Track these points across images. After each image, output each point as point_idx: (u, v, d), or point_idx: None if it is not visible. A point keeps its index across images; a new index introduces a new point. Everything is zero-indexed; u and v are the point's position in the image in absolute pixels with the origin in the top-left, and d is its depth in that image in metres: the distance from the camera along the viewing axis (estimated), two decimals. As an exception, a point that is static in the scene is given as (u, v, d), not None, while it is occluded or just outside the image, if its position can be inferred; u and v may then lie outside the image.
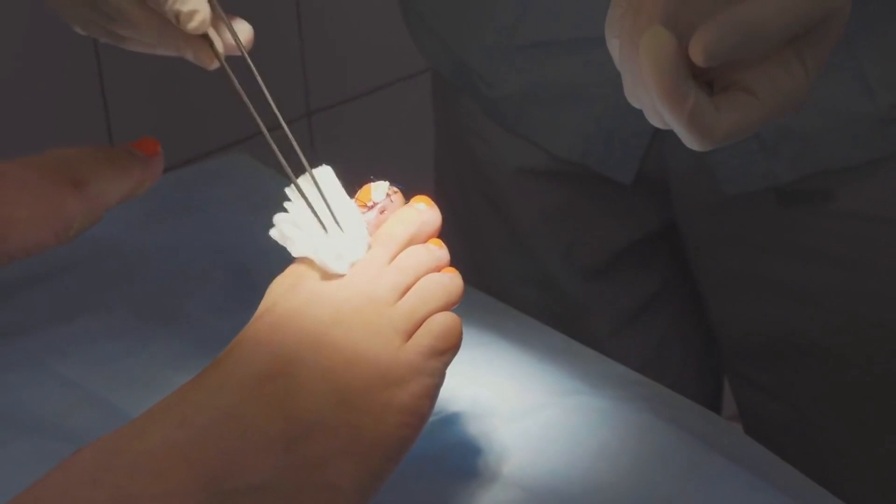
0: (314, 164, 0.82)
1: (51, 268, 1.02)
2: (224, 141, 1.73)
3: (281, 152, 0.82)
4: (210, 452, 0.70)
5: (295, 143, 0.82)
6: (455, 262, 1.30)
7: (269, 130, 0.82)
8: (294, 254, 0.79)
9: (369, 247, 0.78)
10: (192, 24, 0.80)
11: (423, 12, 1.16)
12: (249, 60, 0.84)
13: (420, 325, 0.77)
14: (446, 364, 0.77)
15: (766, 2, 0.67)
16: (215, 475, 0.69)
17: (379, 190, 0.81)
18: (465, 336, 0.97)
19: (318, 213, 0.79)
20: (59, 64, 1.56)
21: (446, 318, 0.77)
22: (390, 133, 1.87)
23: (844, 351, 1.12)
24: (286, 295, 0.77)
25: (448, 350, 0.77)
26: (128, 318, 0.98)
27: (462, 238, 1.27)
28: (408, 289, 0.77)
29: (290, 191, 0.81)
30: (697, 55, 0.66)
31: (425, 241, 0.80)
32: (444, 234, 1.28)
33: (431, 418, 0.87)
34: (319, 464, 0.72)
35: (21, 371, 0.93)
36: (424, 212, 0.80)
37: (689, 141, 0.70)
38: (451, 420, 0.88)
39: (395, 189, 0.82)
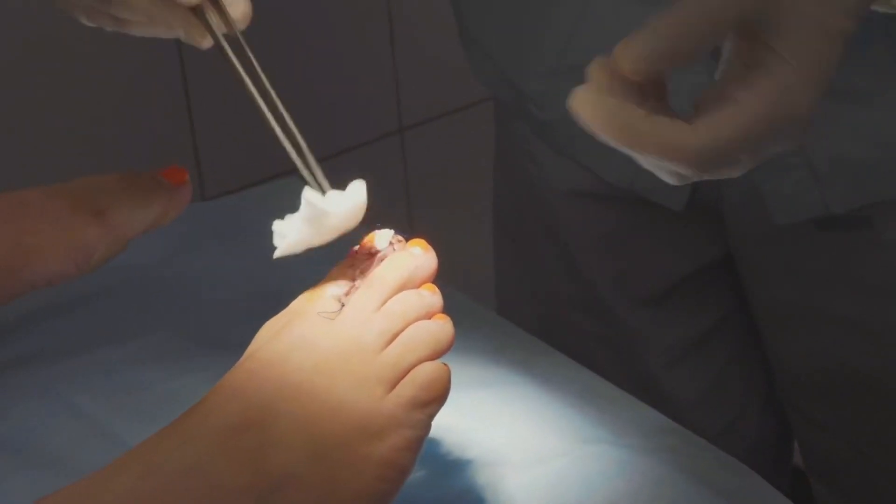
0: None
1: (80, 295, 1.01)
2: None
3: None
4: (174, 505, 0.69)
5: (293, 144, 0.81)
6: (510, 287, 1.29)
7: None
8: (291, 243, 0.78)
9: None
10: None
11: (477, 36, 1.15)
12: (242, 39, 0.82)
13: (405, 374, 0.74)
14: (431, 416, 0.75)
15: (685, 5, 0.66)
16: (178, 529, 0.68)
17: (382, 238, 0.80)
18: (491, 373, 0.96)
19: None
20: (151, 97, 1.58)
21: (433, 368, 0.74)
22: (474, 152, 1.86)
23: None
24: (272, 340, 0.75)
25: (433, 401, 0.74)
26: (149, 350, 0.97)
27: (518, 263, 1.25)
28: (395, 336, 0.75)
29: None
30: (625, 66, 0.66)
31: (419, 287, 0.78)
32: (501, 258, 1.28)
33: (442, 465, 0.86)
34: None
35: (37, 400, 0.92)
36: (419, 256, 0.78)
37: (670, 170, 0.68)
38: (461, 467, 0.86)
39: (399, 238, 0.80)
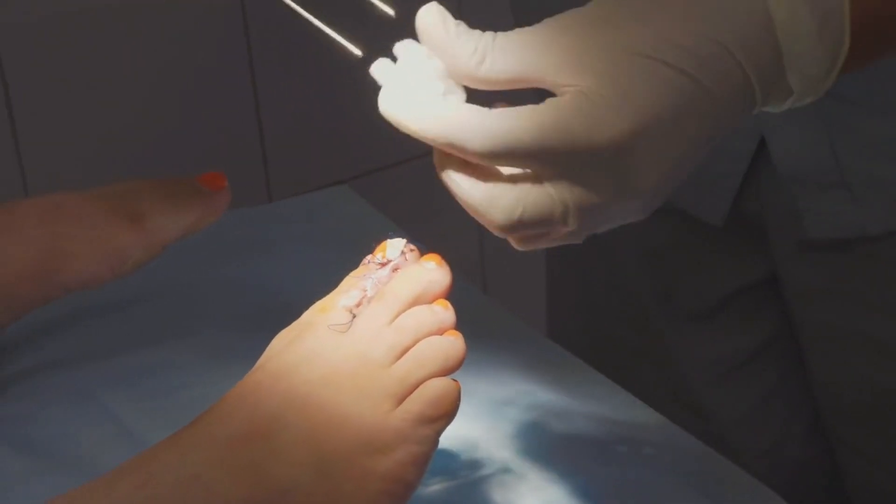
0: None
1: (115, 299, 1.02)
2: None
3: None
4: (170, 514, 0.69)
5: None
6: (559, 299, 1.28)
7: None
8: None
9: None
10: None
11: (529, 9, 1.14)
12: None
13: (414, 389, 0.74)
14: (438, 432, 0.74)
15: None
16: (175, 537, 0.69)
17: (394, 247, 0.79)
18: (519, 389, 0.95)
19: None
20: (219, 98, 1.59)
21: (441, 385, 0.74)
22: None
23: None
24: (283, 351, 0.75)
25: (440, 417, 0.74)
26: (181, 355, 0.98)
27: (566, 275, 1.24)
28: (406, 350, 0.74)
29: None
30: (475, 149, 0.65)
31: (431, 302, 0.77)
32: (552, 270, 1.27)
33: (458, 480, 0.86)
34: None
35: (67, 403, 0.93)
36: (433, 271, 0.77)
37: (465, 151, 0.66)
38: (478, 484, 0.85)
39: (412, 247, 0.79)
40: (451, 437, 0.87)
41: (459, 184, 0.68)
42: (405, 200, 1.76)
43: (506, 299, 1.88)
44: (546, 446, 0.89)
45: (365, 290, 0.78)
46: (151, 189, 0.96)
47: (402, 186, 1.78)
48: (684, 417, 1.18)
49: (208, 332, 1.00)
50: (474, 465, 0.87)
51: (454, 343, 0.76)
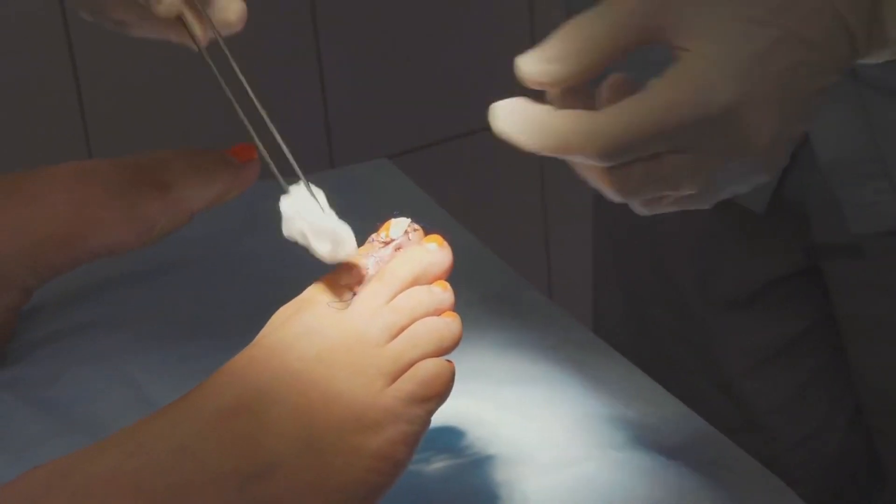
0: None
1: (145, 267, 1.04)
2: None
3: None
4: (157, 484, 0.69)
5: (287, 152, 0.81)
6: (603, 284, 1.27)
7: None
8: (288, 231, 0.78)
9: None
10: (161, 8, 0.79)
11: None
12: (223, 44, 0.82)
13: (407, 369, 0.74)
14: (430, 412, 0.74)
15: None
16: (161, 507, 0.69)
17: (398, 227, 0.80)
18: (540, 370, 0.95)
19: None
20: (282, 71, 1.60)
21: (434, 365, 0.74)
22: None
23: None
24: (280, 327, 0.76)
25: (432, 398, 0.74)
26: (208, 324, 0.99)
27: (612, 258, 1.24)
28: (402, 330, 0.75)
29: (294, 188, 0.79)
30: (526, 83, 0.66)
31: (431, 283, 0.77)
32: (598, 249, 1.26)
33: (462, 459, 0.86)
34: None
35: (92, 366, 0.94)
36: (433, 252, 0.77)
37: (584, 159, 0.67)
38: (481, 463, 0.85)
39: (416, 227, 0.80)
40: (459, 414, 0.88)
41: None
42: (465, 175, 1.76)
43: (547, 281, 1.89)
44: (557, 428, 0.89)
45: (367, 269, 0.78)
46: (179, 159, 0.97)
47: (470, 159, 1.78)
48: (722, 404, 1.17)
49: (231, 301, 1.01)
50: (480, 443, 0.86)
51: (450, 325, 0.76)
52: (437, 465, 0.84)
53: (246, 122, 0.80)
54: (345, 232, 0.76)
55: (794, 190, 1.05)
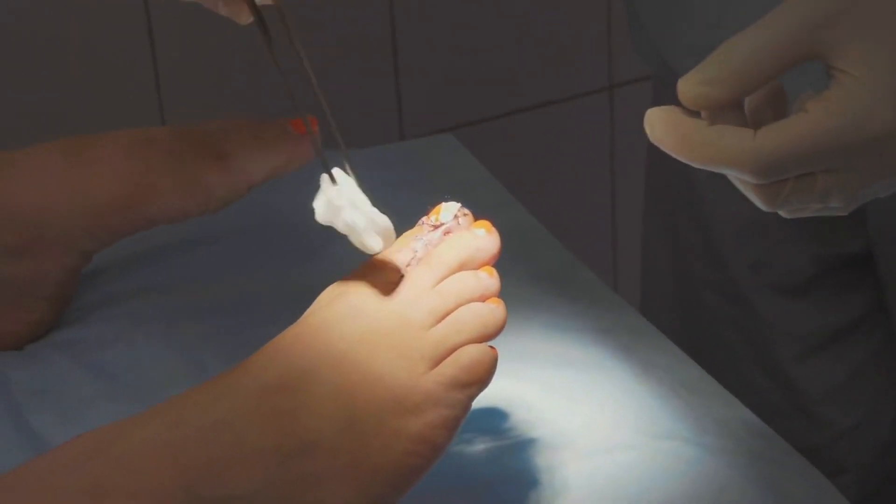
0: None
1: (205, 234, 1.04)
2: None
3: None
4: (197, 457, 0.70)
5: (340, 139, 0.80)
6: (655, 262, 1.27)
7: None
8: (328, 219, 0.79)
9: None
10: None
11: (637, 9, 1.14)
12: (285, 16, 0.81)
13: (450, 353, 0.74)
14: (471, 397, 0.74)
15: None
16: (198, 480, 0.69)
17: (448, 211, 0.80)
18: (589, 354, 0.95)
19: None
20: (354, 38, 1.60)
21: (477, 350, 0.74)
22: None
23: None
24: (327, 306, 0.76)
25: (474, 383, 0.74)
26: (264, 294, 0.99)
27: (662, 236, 1.23)
28: (446, 315, 0.75)
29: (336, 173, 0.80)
30: (686, 102, 0.67)
31: (477, 268, 0.78)
32: (649, 230, 1.26)
33: (505, 441, 0.86)
34: (314, 483, 0.71)
35: (147, 332, 0.95)
36: (481, 238, 0.78)
37: (741, 180, 0.68)
38: (523, 446, 0.85)
39: (465, 212, 0.79)
40: (504, 396, 0.88)
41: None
42: (533, 150, 1.76)
43: (609, 263, 1.88)
44: (601, 414, 0.89)
45: (415, 251, 0.78)
46: (239, 129, 0.97)
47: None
48: (772, 389, 1.17)
49: (288, 273, 1.01)
50: (523, 426, 0.86)
51: (494, 311, 0.76)
52: (480, 446, 0.85)
53: (323, 100, 0.81)
54: (392, 227, 0.77)
55: None
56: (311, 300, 0.96)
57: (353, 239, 0.77)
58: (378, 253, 0.77)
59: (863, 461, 1.19)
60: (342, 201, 0.77)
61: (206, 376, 0.90)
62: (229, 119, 0.98)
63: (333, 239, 1.05)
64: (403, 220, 0.87)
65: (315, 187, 1.08)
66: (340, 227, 0.77)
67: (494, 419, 0.87)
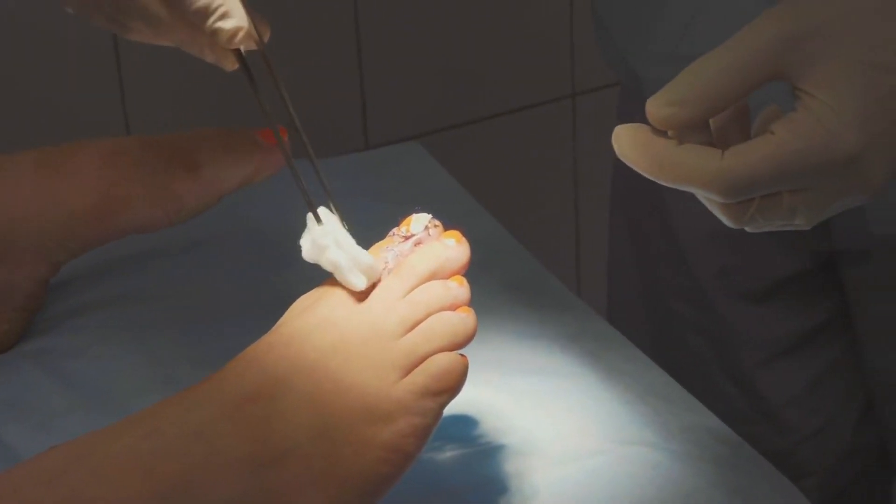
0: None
1: (176, 244, 1.04)
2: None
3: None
4: (170, 467, 0.70)
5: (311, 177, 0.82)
6: (621, 269, 1.28)
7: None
8: (313, 257, 0.80)
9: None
10: (234, 42, 0.79)
11: (604, 17, 1.14)
12: (268, 61, 0.83)
13: (421, 362, 0.75)
14: (442, 405, 0.75)
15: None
16: (173, 491, 0.70)
17: (418, 222, 0.80)
18: (556, 362, 0.96)
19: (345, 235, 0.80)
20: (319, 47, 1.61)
21: (447, 359, 0.74)
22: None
23: None
24: (299, 316, 0.77)
25: (445, 392, 0.75)
26: (234, 304, 0.99)
27: (630, 248, 1.24)
28: (417, 324, 0.75)
29: (321, 212, 0.81)
30: (655, 122, 0.69)
31: (448, 278, 0.78)
32: (615, 238, 1.26)
33: (474, 448, 0.87)
34: (288, 491, 0.72)
35: (117, 342, 0.95)
36: (451, 248, 0.78)
37: (710, 200, 0.70)
38: (493, 453, 0.86)
39: (436, 223, 0.80)
40: (473, 404, 0.89)
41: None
42: (497, 157, 1.76)
43: (572, 269, 1.89)
44: (569, 421, 0.89)
45: (386, 262, 0.79)
46: (210, 139, 0.97)
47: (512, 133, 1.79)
48: (736, 394, 1.18)
49: (257, 282, 1.02)
50: (493, 434, 0.87)
51: (465, 319, 0.76)
52: (449, 453, 0.85)
53: (296, 119, 0.83)
54: (375, 265, 0.78)
55: None
56: (281, 310, 0.96)
57: (338, 276, 0.78)
58: (361, 290, 0.77)
59: (826, 465, 1.21)
60: (326, 241, 0.78)
61: (178, 386, 0.90)
62: (200, 129, 0.98)
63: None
64: (372, 229, 0.88)
65: (285, 196, 1.09)
66: (325, 265, 0.79)
67: (464, 427, 0.87)
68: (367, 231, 0.97)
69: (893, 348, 1.09)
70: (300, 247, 1.05)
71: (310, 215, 0.80)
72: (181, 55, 1.50)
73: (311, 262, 0.80)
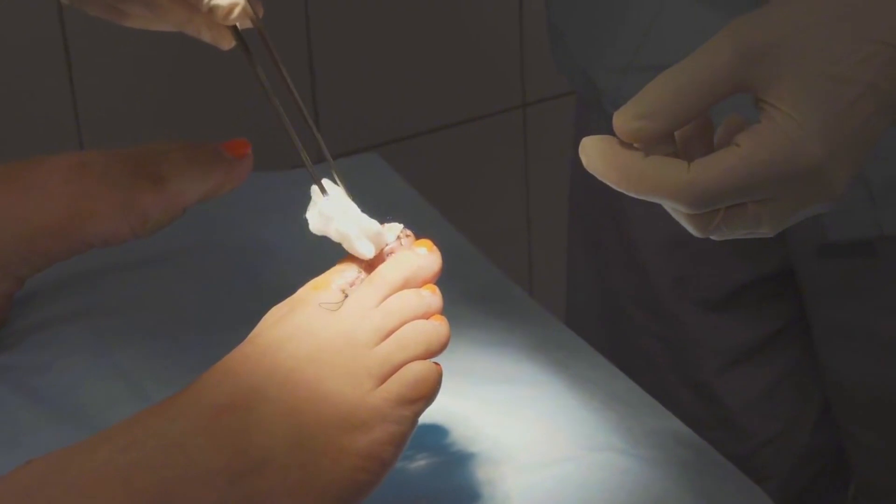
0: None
1: (137, 257, 1.04)
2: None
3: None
4: (148, 479, 0.70)
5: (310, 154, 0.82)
6: (579, 277, 1.29)
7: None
8: (320, 228, 0.80)
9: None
10: (231, 18, 0.79)
11: (560, 26, 1.15)
12: (266, 37, 0.83)
13: (396, 370, 0.76)
14: (417, 413, 0.75)
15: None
16: (152, 502, 0.70)
17: (391, 231, 0.81)
18: (523, 370, 0.96)
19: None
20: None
21: (422, 367, 0.75)
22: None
23: None
24: (273, 326, 0.77)
25: (419, 399, 0.75)
26: (198, 317, 1.00)
27: (588, 253, 1.25)
28: (391, 332, 0.76)
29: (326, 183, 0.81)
30: (621, 136, 0.70)
31: (420, 286, 0.79)
32: (573, 246, 1.28)
33: (445, 457, 0.87)
34: (265, 501, 0.71)
35: (83, 356, 0.94)
36: (423, 257, 0.79)
37: (677, 210, 0.71)
38: (464, 461, 0.86)
39: (408, 232, 0.81)
40: (442, 412, 0.89)
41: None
42: (451, 165, 1.77)
43: (525, 277, 1.90)
44: (538, 428, 0.90)
45: (359, 271, 0.80)
46: (174, 152, 0.97)
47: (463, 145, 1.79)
48: (694, 400, 1.19)
49: (222, 294, 1.02)
50: (463, 442, 0.87)
51: (438, 328, 0.77)
52: (421, 462, 0.85)
53: (307, 114, 0.83)
54: (383, 231, 0.79)
55: None
56: (246, 321, 0.96)
57: (346, 246, 0.79)
58: (370, 258, 0.78)
59: (784, 468, 1.22)
60: (333, 211, 0.79)
61: (145, 398, 0.91)
62: (163, 142, 0.98)
63: (270, 259, 1.06)
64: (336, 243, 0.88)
65: (248, 209, 1.09)
66: (333, 235, 0.79)
67: (434, 435, 0.88)
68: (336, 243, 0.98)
69: (848, 352, 1.11)
70: (261, 255, 1.06)
71: (314, 187, 0.80)
72: (134, 68, 1.50)
73: (319, 234, 0.80)
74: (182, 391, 0.74)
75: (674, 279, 1.16)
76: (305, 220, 1.11)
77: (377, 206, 1.12)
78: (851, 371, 1.11)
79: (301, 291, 0.79)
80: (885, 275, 1.05)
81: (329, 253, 1.01)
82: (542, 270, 1.89)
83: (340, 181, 0.80)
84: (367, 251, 0.77)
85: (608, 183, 0.71)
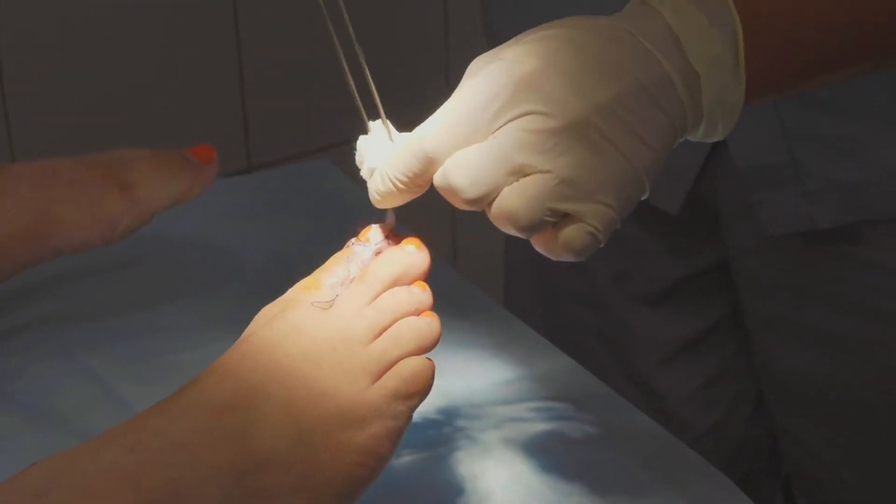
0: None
1: (106, 262, 1.04)
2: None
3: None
4: (156, 479, 0.70)
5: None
6: (518, 273, 1.31)
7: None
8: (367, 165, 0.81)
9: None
10: None
11: (498, 30, 1.16)
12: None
13: (390, 367, 0.76)
14: (413, 408, 0.76)
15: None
16: (161, 501, 0.70)
17: (377, 231, 0.82)
18: (488, 367, 0.98)
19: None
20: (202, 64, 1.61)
21: (417, 363, 0.76)
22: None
23: (884, 407, 1.09)
24: (267, 325, 0.77)
25: (415, 395, 0.76)
26: (167, 320, 1.00)
27: (526, 250, 1.27)
28: (384, 330, 0.76)
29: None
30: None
31: (410, 284, 0.80)
32: (511, 248, 1.29)
33: (429, 453, 0.89)
34: (269, 498, 0.72)
35: (56, 361, 0.94)
36: (412, 254, 0.80)
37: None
38: (447, 457, 0.88)
39: (395, 232, 0.83)
40: (424, 410, 0.91)
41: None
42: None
43: (469, 274, 1.91)
44: (512, 423, 0.92)
45: (349, 270, 0.81)
46: (142, 159, 0.98)
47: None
48: (635, 395, 1.21)
49: (191, 298, 1.02)
50: (446, 438, 0.89)
51: (430, 324, 0.78)
52: (407, 458, 0.87)
53: (368, 76, 0.87)
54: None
55: (708, 192, 1.09)
56: (216, 324, 0.97)
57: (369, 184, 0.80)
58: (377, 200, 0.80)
59: (721, 460, 1.24)
60: (370, 147, 0.81)
61: (120, 401, 0.91)
62: (131, 149, 0.99)
63: (239, 263, 1.06)
64: (297, 244, 0.89)
65: (215, 214, 1.10)
66: (364, 173, 0.81)
67: (417, 432, 0.89)
68: (307, 246, 0.99)
69: (783, 346, 1.13)
70: (231, 260, 1.06)
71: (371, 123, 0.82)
72: (67, 84, 1.49)
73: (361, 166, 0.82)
74: (182, 390, 0.74)
75: (612, 276, 1.18)
76: (271, 224, 1.12)
77: (333, 210, 1.13)
78: (786, 364, 1.13)
79: (292, 291, 0.79)
80: (818, 269, 1.07)
81: (288, 256, 1.02)
82: (479, 265, 1.91)
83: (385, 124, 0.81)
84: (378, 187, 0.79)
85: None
